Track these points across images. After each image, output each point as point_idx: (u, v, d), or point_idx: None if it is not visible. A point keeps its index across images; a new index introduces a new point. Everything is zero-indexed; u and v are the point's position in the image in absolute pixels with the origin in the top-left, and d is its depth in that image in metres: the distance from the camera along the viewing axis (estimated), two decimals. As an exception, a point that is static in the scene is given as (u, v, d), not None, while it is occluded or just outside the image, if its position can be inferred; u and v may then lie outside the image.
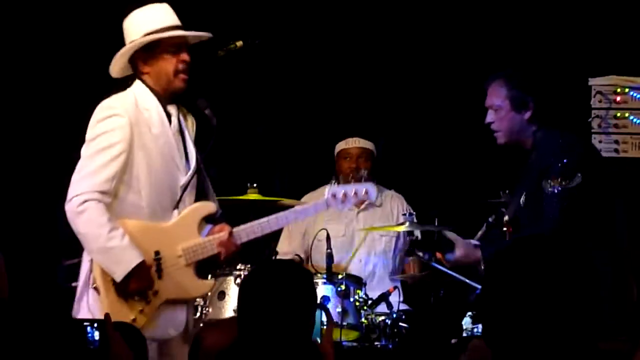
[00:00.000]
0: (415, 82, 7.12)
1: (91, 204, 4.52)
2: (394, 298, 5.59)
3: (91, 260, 4.61)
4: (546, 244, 2.43)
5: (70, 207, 4.55)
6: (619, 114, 5.91)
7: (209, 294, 5.38)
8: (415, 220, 5.68)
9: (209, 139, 4.82)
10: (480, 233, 5.21)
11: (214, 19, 6.19)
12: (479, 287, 5.42)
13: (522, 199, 5.04)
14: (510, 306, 2.37)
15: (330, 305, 5.47)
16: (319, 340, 3.58)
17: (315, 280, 5.45)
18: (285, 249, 6.43)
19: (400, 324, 5.50)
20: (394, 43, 7.11)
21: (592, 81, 5.97)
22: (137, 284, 4.56)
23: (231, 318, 4.64)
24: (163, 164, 4.69)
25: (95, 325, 2.79)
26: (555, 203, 4.80)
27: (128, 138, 4.61)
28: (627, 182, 5.74)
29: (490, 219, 5.24)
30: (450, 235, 5.13)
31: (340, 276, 5.57)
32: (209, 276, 5.21)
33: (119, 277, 4.53)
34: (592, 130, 5.91)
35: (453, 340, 5.40)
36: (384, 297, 5.58)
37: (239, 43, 5.04)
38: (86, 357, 2.66)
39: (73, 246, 4.82)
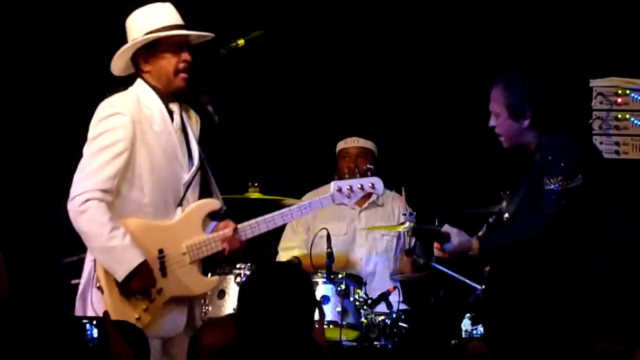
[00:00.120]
0: (416, 82, 7.12)
1: (93, 203, 4.52)
2: (394, 298, 5.59)
3: (94, 260, 4.62)
4: (547, 247, 2.43)
5: (72, 206, 4.56)
6: (619, 116, 5.91)
7: (209, 292, 5.38)
8: (415, 220, 5.68)
9: (211, 136, 4.83)
10: (480, 233, 5.21)
11: (216, 18, 6.19)
12: (479, 287, 5.43)
13: (522, 197, 5.04)
14: (511, 308, 2.38)
15: (330, 305, 5.47)
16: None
17: (315, 280, 5.45)
18: (290, 243, 6.42)
19: (400, 323, 5.49)
20: (395, 43, 7.10)
21: (593, 82, 5.97)
22: (139, 283, 4.57)
23: (230, 316, 4.64)
24: (166, 161, 4.69)
25: (94, 322, 2.79)
26: (553, 200, 4.81)
27: (130, 136, 4.62)
28: (627, 184, 5.74)
29: (490, 219, 5.24)
30: (445, 227, 5.13)
31: (340, 275, 5.57)
32: (209, 274, 5.22)
33: (120, 277, 4.54)
34: (593, 132, 5.91)
35: (453, 342, 5.41)
36: (384, 297, 5.58)
37: (241, 42, 5.05)
38: (85, 354, 2.66)
39: (72, 244, 4.83)
